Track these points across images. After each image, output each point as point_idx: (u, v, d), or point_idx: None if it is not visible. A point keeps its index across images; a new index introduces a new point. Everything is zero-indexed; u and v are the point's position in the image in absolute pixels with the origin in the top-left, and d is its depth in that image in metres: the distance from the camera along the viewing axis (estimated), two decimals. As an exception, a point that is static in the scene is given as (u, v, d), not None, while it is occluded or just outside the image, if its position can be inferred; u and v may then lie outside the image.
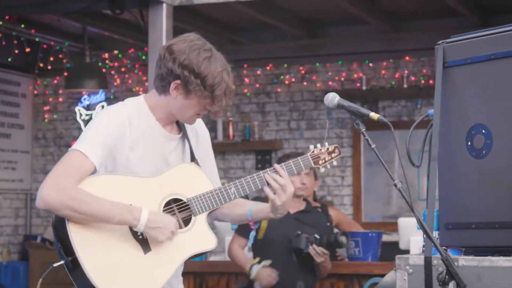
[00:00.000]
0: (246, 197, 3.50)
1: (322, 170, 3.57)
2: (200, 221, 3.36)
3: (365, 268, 6.15)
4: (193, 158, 3.45)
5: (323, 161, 3.56)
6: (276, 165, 3.42)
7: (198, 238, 3.35)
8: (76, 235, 3.16)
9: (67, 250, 3.15)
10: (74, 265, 3.14)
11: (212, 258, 6.70)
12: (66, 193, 3.12)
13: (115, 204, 3.19)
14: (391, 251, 5.95)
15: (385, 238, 7.57)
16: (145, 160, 3.31)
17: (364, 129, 3.03)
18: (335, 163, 3.61)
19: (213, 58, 3.29)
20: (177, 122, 3.44)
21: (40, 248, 9.90)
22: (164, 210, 3.31)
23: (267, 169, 3.43)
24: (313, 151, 3.55)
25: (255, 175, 3.41)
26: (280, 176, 3.39)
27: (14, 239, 10.32)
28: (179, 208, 3.35)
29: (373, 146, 2.99)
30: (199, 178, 3.42)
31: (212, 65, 3.26)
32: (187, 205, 3.34)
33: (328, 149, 3.60)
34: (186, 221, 3.35)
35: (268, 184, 3.39)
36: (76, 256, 3.13)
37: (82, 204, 3.13)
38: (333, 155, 3.60)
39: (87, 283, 3.14)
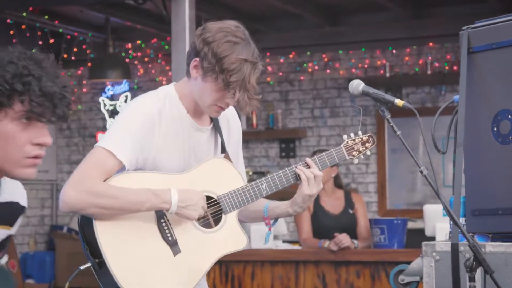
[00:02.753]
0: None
1: (356, 161, 3.46)
2: (231, 219, 3.24)
3: (390, 255, 6.14)
4: (223, 151, 3.33)
5: (357, 152, 3.45)
6: (307, 159, 3.32)
7: (229, 238, 3.23)
8: (104, 237, 3.05)
9: (94, 252, 3.05)
10: (101, 268, 3.05)
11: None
12: (89, 191, 3.01)
13: (141, 192, 3.07)
14: (417, 238, 5.94)
15: (410, 225, 7.55)
16: (174, 154, 3.19)
17: (389, 116, 3.01)
18: (369, 153, 3.48)
19: (240, 45, 3.13)
20: None
21: (66, 238, 9.97)
22: None
23: (299, 163, 3.33)
24: (347, 142, 3.42)
25: (287, 169, 3.31)
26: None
27: (41, 229, 10.40)
28: (210, 205, 3.22)
29: (398, 133, 2.97)
30: (230, 174, 3.29)
31: (235, 50, 3.10)
32: (218, 202, 3.23)
33: (362, 138, 3.46)
34: (217, 219, 3.23)
35: (299, 178, 3.30)
36: (104, 258, 3.03)
37: (107, 199, 3.02)
38: (367, 144, 3.46)
39: (114, 285, 3.04)
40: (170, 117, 3.18)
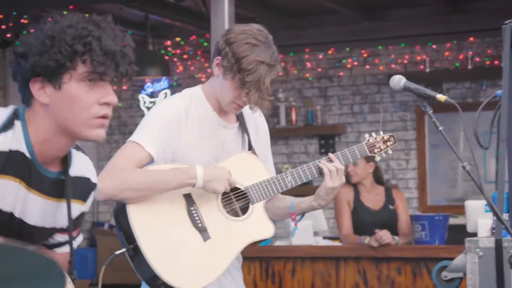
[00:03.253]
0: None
1: (378, 158, 3.59)
2: (257, 209, 3.38)
3: (432, 251, 6.10)
4: (250, 147, 3.47)
5: (379, 149, 3.58)
6: (330, 154, 3.44)
7: (256, 226, 3.37)
8: (137, 223, 3.19)
9: (129, 238, 3.19)
10: (136, 253, 3.18)
11: (277, 243, 6.72)
12: (121, 177, 3.17)
13: (168, 171, 3.23)
14: (458, 234, 5.89)
15: (451, 221, 7.50)
16: (203, 150, 3.34)
17: (431, 111, 3.00)
18: (390, 151, 3.61)
19: (259, 47, 3.27)
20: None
21: (108, 234, 10.04)
22: (222, 199, 3.34)
23: (322, 158, 3.45)
24: (368, 140, 3.56)
25: (311, 163, 3.44)
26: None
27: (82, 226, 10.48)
28: (237, 197, 3.36)
29: (440, 128, 2.95)
30: (256, 167, 3.44)
31: (254, 52, 3.24)
32: (245, 193, 3.36)
33: (383, 137, 3.60)
34: (244, 209, 3.37)
35: (322, 172, 3.42)
36: (137, 243, 3.16)
37: (137, 179, 3.18)
38: (388, 143, 3.61)
39: (149, 270, 3.17)
40: (197, 115, 3.34)
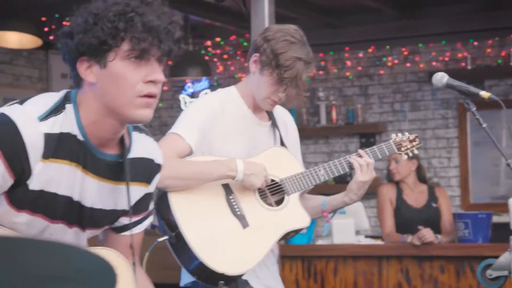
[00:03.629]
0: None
1: (405, 157, 3.71)
2: (293, 200, 3.47)
3: (475, 250, 6.06)
4: (282, 144, 3.58)
5: (405, 148, 3.68)
6: (360, 150, 3.55)
7: (292, 216, 3.46)
8: (179, 210, 3.28)
9: (170, 225, 3.28)
10: (178, 239, 3.26)
11: (319, 242, 6.72)
12: (164, 165, 3.24)
13: (209, 162, 3.32)
14: (502, 233, 5.85)
15: (495, 219, 7.43)
16: (238, 145, 3.44)
17: (475, 108, 2.98)
18: (416, 151, 3.71)
19: (296, 45, 3.39)
20: (268, 112, 3.57)
21: (150, 234, 10.07)
22: (258, 191, 3.43)
23: (353, 154, 3.56)
24: (395, 139, 3.67)
25: (342, 158, 3.54)
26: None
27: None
28: (271, 189, 3.46)
29: (484, 125, 2.94)
30: (290, 161, 3.54)
31: (291, 48, 3.35)
32: (280, 185, 3.46)
33: (409, 137, 3.70)
34: (279, 201, 3.47)
35: (353, 167, 3.52)
36: (180, 230, 3.25)
37: (181, 169, 3.26)
38: (414, 143, 3.71)
39: (191, 255, 3.25)
40: (233, 112, 3.45)
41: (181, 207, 3.29)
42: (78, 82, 2.29)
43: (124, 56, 2.20)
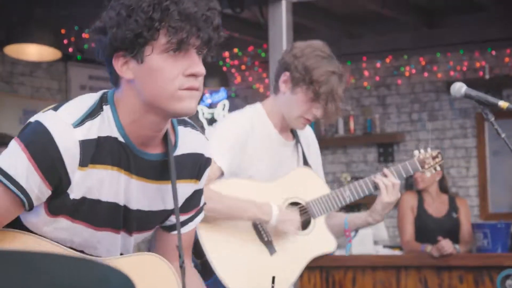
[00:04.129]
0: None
1: (428, 174, 3.62)
2: (319, 223, 3.43)
3: (494, 260, 6.04)
4: (305, 163, 3.53)
5: (429, 165, 3.61)
6: (385, 170, 3.49)
7: (319, 240, 3.43)
8: (206, 237, 3.25)
9: (197, 252, 3.24)
10: (204, 268, 3.23)
11: (338, 252, 6.72)
12: None
13: (244, 201, 3.27)
14: (521, 242, 5.84)
15: (514, 228, 7.42)
16: (265, 165, 3.40)
17: (493, 118, 2.98)
18: (438, 168, 3.65)
19: (327, 59, 3.33)
20: (291, 130, 3.52)
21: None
22: None
23: (377, 173, 3.50)
24: (419, 156, 3.60)
25: (367, 178, 3.48)
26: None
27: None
28: (298, 211, 3.41)
29: (503, 135, 2.94)
30: (315, 182, 3.50)
31: (323, 63, 3.30)
32: (306, 208, 3.42)
33: (432, 154, 3.64)
34: (305, 224, 3.43)
35: (378, 188, 3.46)
36: (207, 257, 3.23)
37: (212, 201, 3.18)
38: (436, 160, 3.64)
39: (218, 283, 3.22)
40: (261, 132, 3.40)
41: (208, 235, 3.25)
42: (114, 80, 2.18)
43: (162, 49, 2.08)
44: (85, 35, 8.64)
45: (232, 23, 8.85)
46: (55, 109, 2.15)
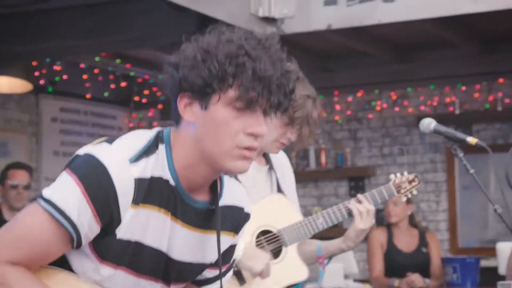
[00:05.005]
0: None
1: (404, 199, 3.57)
2: (291, 251, 3.38)
3: (464, 294, 6.07)
4: (279, 190, 3.48)
5: (405, 190, 3.56)
6: (359, 195, 3.45)
7: (290, 269, 3.37)
8: None
9: None
10: None
11: (308, 286, 6.70)
12: None
13: None
14: (490, 277, 5.86)
15: (483, 263, 7.45)
16: None
17: (462, 154, 3.01)
18: (415, 192, 3.60)
19: (301, 83, 3.26)
20: (264, 155, 3.47)
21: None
22: (256, 242, 3.36)
23: (352, 199, 3.45)
24: (395, 180, 3.55)
25: (341, 204, 3.43)
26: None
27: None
28: (270, 239, 3.37)
29: (471, 171, 2.96)
30: (288, 209, 3.45)
31: (298, 88, 3.07)
32: (277, 236, 3.37)
33: (408, 178, 3.59)
34: (277, 253, 3.38)
35: (351, 214, 3.41)
36: None
37: None
38: (413, 183, 3.59)
39: None
40: None
41: None
42: (176, 117, 2.08)
43: (228, 102, 1.99)
44: (56, 67, 8.63)
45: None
46: (109, 142, 2.07)
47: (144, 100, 9.94)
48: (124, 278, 2.11)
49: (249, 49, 1.99)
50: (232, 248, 2.29)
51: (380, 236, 6.61)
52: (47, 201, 2.02)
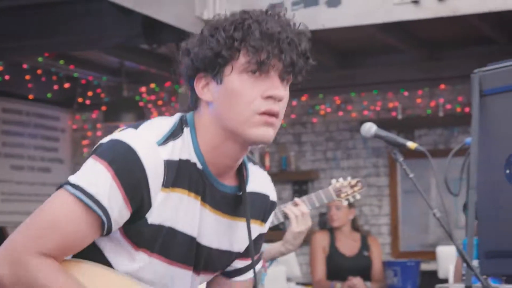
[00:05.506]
0: None
1: (345, 203, 3.59)
2: None
3: (404, 297, 6.13)
4: None
5: (345, 194, 3.62)
6: (296, 199, 3.47)
7: None
8: None
9: None
10: None
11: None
12: None
13: None
14: (430, 280, 5.93)
15: (424, 267, 7.54)
16: None
17: (402, 159, 3.04)
18: (358, 196, 3.67)
19: None
20: None
21: None
22: None
23: (288, 202, 3.46)
24: (335, 184, 3.57)
25: (277, 208, 3.40)
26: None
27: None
28: None
29: (411, 175, 2.99)
30: None
31: None
32: None
33: (350, 182, 3.65)
34: None
35: (288, 217, 3.43)
36: None
37: None
38: (355, 188, 3.63)
39: None
40: None
41: None
42: (195, 102, 2.07)
43: (241, 70, 1.98)
44: (-1, 67, 8.53)
45: (149, 59, 8.85)
46: (134, 127, 2.05)
47: (87, 102, 9.86)
48: (157, 265, 2.04)
49: (255, 15, 1.99)
50: (261, 237, 2.23)
51: (322, 240, 6.65)
52: (75, 187, 1.96)
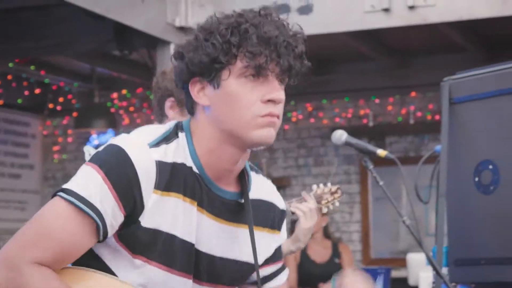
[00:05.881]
0: None
1: (325, 210, 3.58)
2: None
3: (375, 304, 6.14)
4: None
5: (326, 201, 3.59)
6: (304, 193, 3.47)
7: None
8: None
9: None
10: None
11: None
12: None
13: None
14: (401, 287, 5.95)
15: (394, 274, 7.56)
16: None
17: (372, 166, 3.05)
18: (337, 204, 3.63)
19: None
20: None
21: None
22: None
23: (293, 199, 3.45)
24: (316, 191, 3.56)
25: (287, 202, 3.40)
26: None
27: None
28: None
29: (381, 183, 3.01)
30: None
31: None
32: None
33: (330, 189, 3.62)
34: None
35: (293, 213, 3.41)
36: None
37: None
38: (335, 195, 3.62)
39: None
40: None
41: None
42: (190, 107, 2.04)
43: (239, 74, 1.96)
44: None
45: (120, 65, 8.83)
46: (126, 133, 2.04)
47: (58, 108, 9.82)
48: (157, 273, 2.00)
49: (250, 17, 1.97)
50: (278, 246, 2.19)
51: (293, 247, 6.65)
52: (67, 192, 1.94)
